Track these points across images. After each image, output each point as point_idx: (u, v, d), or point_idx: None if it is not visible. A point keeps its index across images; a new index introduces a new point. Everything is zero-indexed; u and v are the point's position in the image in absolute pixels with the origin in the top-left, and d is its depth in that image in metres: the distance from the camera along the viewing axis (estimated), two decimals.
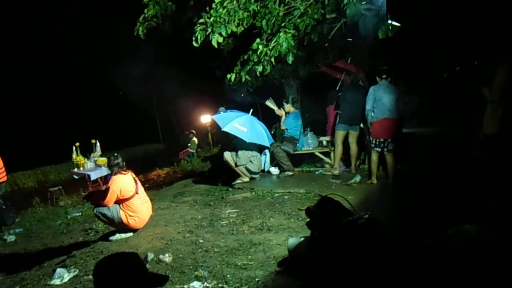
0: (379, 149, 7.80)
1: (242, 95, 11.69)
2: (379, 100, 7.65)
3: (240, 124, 8.35)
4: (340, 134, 8.86)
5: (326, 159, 9.82)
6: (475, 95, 6.04)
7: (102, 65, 19.26)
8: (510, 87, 5.38)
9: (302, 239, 4.62)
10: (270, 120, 11.14)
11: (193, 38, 7.59)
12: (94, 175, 9.82)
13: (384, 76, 7.78)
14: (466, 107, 6.67)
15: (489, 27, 6.05)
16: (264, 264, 4.76)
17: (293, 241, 4.66)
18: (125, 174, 5.99)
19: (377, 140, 7.77)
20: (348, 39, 9.55)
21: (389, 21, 6.76)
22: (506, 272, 3.61)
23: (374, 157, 7.89)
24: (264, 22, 7.84)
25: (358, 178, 8.25)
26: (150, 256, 5.07)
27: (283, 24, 7.75)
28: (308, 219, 4.46)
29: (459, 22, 6.22)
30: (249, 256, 5.04)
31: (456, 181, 6.28)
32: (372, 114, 7.73)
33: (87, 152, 10.39)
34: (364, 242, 3.95)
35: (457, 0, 5.88)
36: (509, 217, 4.69)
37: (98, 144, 10.45)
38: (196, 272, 4.64)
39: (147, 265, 4.74)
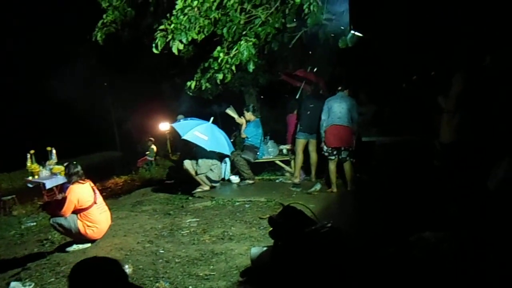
0: (333, 158, 7.91)
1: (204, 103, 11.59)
2: (330, 109, 7.83)
3: (200, 132, 8.28)
4: (300, 143, 8.92)
5: (287, 168, 9.86)
6: (432, 105, 6.17)
7: (57, 71, 18.81)
8: (466, 97, 5.51)
9: (265, 248, 4.58)
10: (230, 128, 11.13)
11: (153, 45, 7.51)
12: (49, 184, 9.52)
13: (339, 88, 7.93)
14: (424, 117, 6.81)
15: (446, 38, 6.20)
16: (227, 275, 4.71)
17: (256, 250, 4.62)
18: (83, 183, 5.83)
19: (331, 148, 7.89)
20: (308, 49, 9.66)
21: (352, 32, 6.86)
22: (466, 278, 3.69)
23: (332, 166, 7.99)
24: (225, 30, 7.83)
25: (318, 186, 8.31)
26: None
27: (244, 33, 7.77)
28: (271, 228, 4.44)
29: (418, 33, 6.34)
30: (211, 266, 4.97)
31: (415, 189, 6.40)
32: (324, 124, 7.88)
33: (42, 159, 10.08)
34: (327, 250, 3.96)
35: (416, 12, 5.98)
36: (467, 224, 4.79)
37: (54, 151, 10.14)
38: (157, 284, 4.54)
39: None
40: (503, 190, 4.65)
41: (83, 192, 5.77)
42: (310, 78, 9.34)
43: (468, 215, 4.99)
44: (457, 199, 5.50)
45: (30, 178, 9.73)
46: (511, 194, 4.57)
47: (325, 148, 8.01)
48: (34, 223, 8.37)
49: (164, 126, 17.43)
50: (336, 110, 7.78)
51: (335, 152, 7.90)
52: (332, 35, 7.97)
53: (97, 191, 6.03)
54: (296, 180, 9.02)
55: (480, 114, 5.37)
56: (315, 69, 9.70)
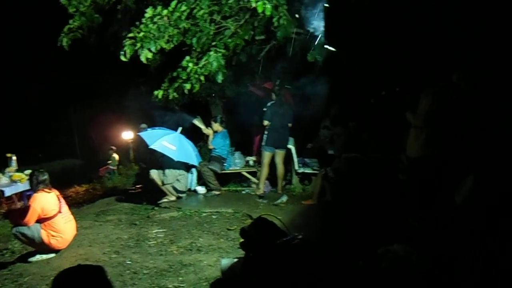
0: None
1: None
2: None
3: (168, 142, 8.20)
4: (267, 155, 8.95)
5: (253, 179, 9.87)
6: (399, 120, 6.30)
7: (18, 75, 18.33)
8: (434, 113, 5.65)
9: (235, 260, 4.57)
10: (196, 138, 11.07)
11: (122, 53, 7.43)
12: (8, 191, 9.22)
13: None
14: (391, 132, 6.95)
15: (415, 55, 6.36)
16: (196, 286, 4.67)
17: (226, 262, 4.60)
18: (49, 192, 5.69)
19: None
20: (277, 62, 9.72)
21: (326, 46, 6.96)
22: None
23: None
24: (194, 40, 7.81)
25: (284, 198, 8.35)
26: None
27: (213, 43, 7.76)
28: (242, 240, 4.44)
29: (387, 50, 6.49)
30: (180, 278, 4.92)
31: (381, 202, 6.51)
32: None
33: (1, 166, 9.80)
34: (299, 262, 3.97)
35: (386, 28, 6.13)
36: (431, 237, 4.90)
37: (14, 158, 9.87)
38: None
39: None
40: (468, 204, 4.79)
41: (47, 201, 5.63)
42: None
43: (433, 228, 5.11)
44: (421, 213, 5.63)
45: None
46: (475, 209, 4.71)
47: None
48: None
49: (127, 135, 17.19)
50: None
51: None
52: (301, 49, 8.05)
53: (62, 200, 5.89)
54: (260, 192, 9.04)
55: (447, 130, 5.52)
56: (277, 82, 9.78)
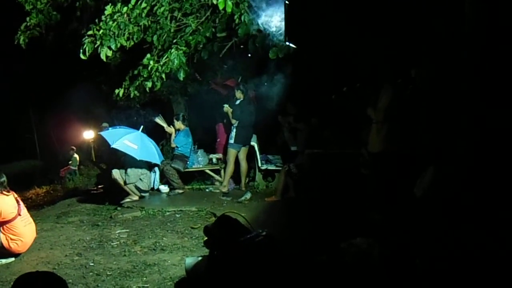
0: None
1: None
2: None
3: (130, 141, 8.09)
4: (233, 153, 8.95)
5: (216, 177, 9.85)
6: (360, 116, 6.40)
7: None
8: (394, 108, 5.76)
9: (200, 258, 4.55)
10: (158, 136, 10.99)
11: (81, 50, 7.33)
12: None
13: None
14: (352, 127, 7.05)
15: (376, 49, 6.44)
16: (161, 286, 4.63)
17: (190, 260, 4.58)
18: (7, 194, 5.53)
19: None
20: (238, 59, 9.73)
21: (287, 43, 6.98)
22: (394, 282, 3.84)
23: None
24: (155, 37, 7.79)
25: (248, 195, 8.37)
26: None
27: (174, 41, 7.73)
28: (205, 238, 4.43)
29: (347, 45, 6.56)
30: (144, 278, 4.87)
31: (343, 197, 6.60)
32: None
33: None
34: (263, 259, 3.99)
35: (346, 24, 6.19)
36: (392, 229, 5.00)
37: None
38: None
39: None
40: (428, 196, 4.90)
41: (5, 204, 5.46)
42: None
43: (394, 221, 5.22)
44: (382, 206, 5.74)
45: None
46: (435, 201, 4.83)
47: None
48: None
49: (88, 134, 16.93)
50: None
51: None
52: (262, 45, 8.06)
53: (21, 202, 5.73)
54: (225, 189, 9.04)
55: (407, 125, 5.64)
56: (239, 79, 9.80)
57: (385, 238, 4.44)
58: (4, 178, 5.57)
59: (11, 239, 5.47)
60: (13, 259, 5.60)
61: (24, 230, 5.60)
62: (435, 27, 5.50)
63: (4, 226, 5.44)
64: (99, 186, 11.68)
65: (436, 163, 5.13)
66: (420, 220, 4.84)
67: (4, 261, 5.54)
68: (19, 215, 5.57)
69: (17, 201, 5.66)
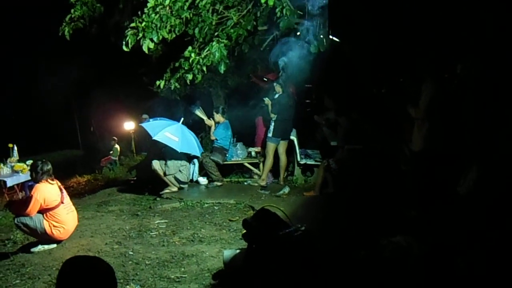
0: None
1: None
2: None
3: (171, 133, 8.17)
4: (272, 146, 8.92)
5: (255, 170, 9.84)
6: (401, 112, 6.26)
7: (18, 66, 18.29)
8: (436, 105, 5.61)
9: (238, 251, 4.56)
10: (198, 129, 11.05)
11: (124, 42, 7.40)
12: (10, 182, 9.20)
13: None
14: (393, 123, 6.90)
15: (417, 46, 6.30)
16: (199, 277, 4.66)
17: (228, 253, 4.59)
18: (52, 183, 5.67)
19: None
20: (278, 55, 9.66)
21: (330, 37, 6.90)
22: (433, 279, 3.76)
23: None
24: (196, 30, 7.79)
25: (287, 189, 8.34)
26: None
27: (216, 34, 7.73)
28: (244, 231, 4.43)
29: (390, 40, 6.44)
30: (182, 269, 4.92)
31: (382, 193, 6.49)
32: None
33: (3, 156, 9.77)
34: (301, 254, 3.97)
35: (388, 18, 6.07)
36: (432, 228, 4.89)
37: (15, 148, 9.84)
38: (127, 286, 4.47)
39: None
40: (473, 195, 4.77)
41: (49, 192, 5.61)
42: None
43: (433, 219, 5.10)
44: (421, 204, 5.61)
45: None
46: (480, 199, 4.70)
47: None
48: None
49: (129, 126, 17.17)
50: None
51: None
52: (305, 39, 7.98)
53: (64, 191, 5.87)
54: (263, 183, 9.02)
55: (450, 122, 5.49)
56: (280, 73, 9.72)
57: (424, 236, 4.35)
58: (49, 167, 5.70)
59: (54, 226, 5.60)
60: (55, 245, 5.75)
61: (67, 218, 5.73)
62: (484, 21, 5.32)
63: (48, 213, 5.57)
64: (140, 176, 11.79)
65: (480, 162, 4.99)
66: (463, 219, 4.72)
67: (46, 247, 5.70)
68: (62, 202, 5.70)
69: (61, 189, 5.80)
